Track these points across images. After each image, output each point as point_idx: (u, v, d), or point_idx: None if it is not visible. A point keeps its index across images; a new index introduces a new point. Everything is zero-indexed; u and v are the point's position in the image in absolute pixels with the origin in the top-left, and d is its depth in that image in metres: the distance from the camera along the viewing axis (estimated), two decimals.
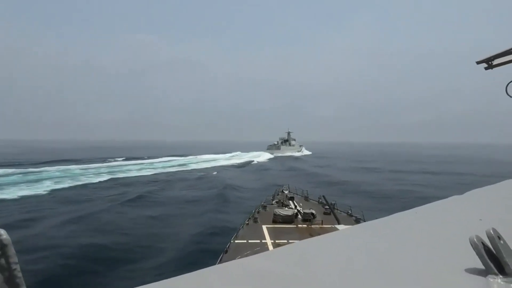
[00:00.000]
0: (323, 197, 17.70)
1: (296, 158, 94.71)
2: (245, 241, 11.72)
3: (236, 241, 11.76)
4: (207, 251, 14.27)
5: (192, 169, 57.80)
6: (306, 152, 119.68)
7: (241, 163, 72.46)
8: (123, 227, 19.99)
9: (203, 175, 48.43)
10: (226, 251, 10.75)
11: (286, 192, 21.32)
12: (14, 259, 0.43)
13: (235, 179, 43.19)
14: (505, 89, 2.64)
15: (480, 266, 0.99)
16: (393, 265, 1.17)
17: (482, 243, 0.97)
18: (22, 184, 37.00)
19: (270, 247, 11.00)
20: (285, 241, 11.59)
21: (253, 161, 77.75)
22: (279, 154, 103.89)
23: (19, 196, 30.28)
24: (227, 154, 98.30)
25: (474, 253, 0.97)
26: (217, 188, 34.37)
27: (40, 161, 66.75)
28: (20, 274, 0.43)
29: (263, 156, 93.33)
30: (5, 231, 0.46)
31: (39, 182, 38.49)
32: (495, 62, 2.81)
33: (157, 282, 1.00)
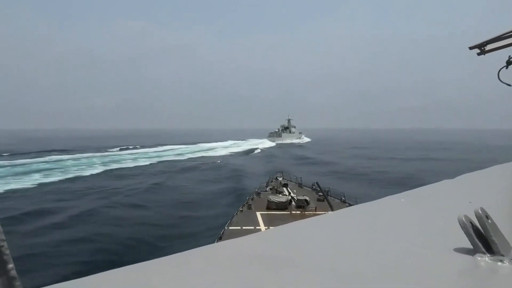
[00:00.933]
0: (317, 183, 17.75)
1: (299, 145, 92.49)
2: (239, 227, 11.81)
3: (230, 228, 11.86)
4: None
5: (196, 157, 55.21)
6: (305, 139, 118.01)
7: (243, 151, 69.81)
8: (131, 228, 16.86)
9: (209, 164, 45.82)
10: (220, 238, 10.77)
11: (280, 178, 21.00)
12: (0, 236, 0.42)
13: (244, 168, 40.77)
14: (497, 75, 2.58)
15: (469, 245, 1.00)
16: (382, 246, 1.18)
17: (471, 222, 0.98)
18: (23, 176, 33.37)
19: None
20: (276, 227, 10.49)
21: (256, 148, 75.06)
22: (280, 142, 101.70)
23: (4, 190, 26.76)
24: (226, 142, 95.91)
25: (463, 233, 0.99)
26: (228, 181, 31.49)
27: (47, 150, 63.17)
28: (7, 251, 0.42)
29: (264, 144, 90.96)
30: None
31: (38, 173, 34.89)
32: (488, 47, 2.77)
33: (148, 261, 1.01)
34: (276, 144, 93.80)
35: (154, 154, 59.62)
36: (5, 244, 0.41)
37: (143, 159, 50.82)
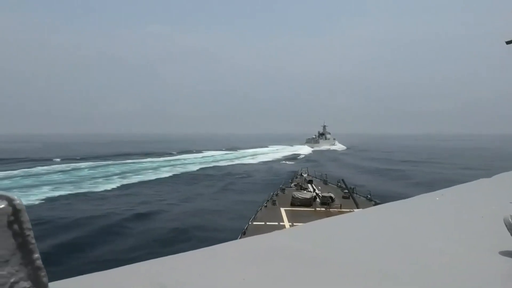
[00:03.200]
0: (342, 181, 17.64)
1: (342, 153, 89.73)
2: (263, 223, 11.73)
3: (254, 223, 11.77)
4: None
5: (242, 163, 55.21)
6: (340, 145, 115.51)
7: (288, 156, 70.12)
8: None
9: (261, 170, 45.20)
10: (244, 233, 10.68)
11: (305, 175, 20.90)
12: (27, 225, 0.42)
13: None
14: None
15: None
16: (419, 246, 1.13)
17: None
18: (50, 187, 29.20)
19: None
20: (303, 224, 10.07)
21: (300, 154, 74.86)
22: (317, 148, 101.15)
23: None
24: (265, 148, 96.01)
25: (507, 234, 0.94)
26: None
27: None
28: (33, 240, 0.42)
29: (305, 149, 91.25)
30: (19, 197, 0.45)
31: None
32: None
33: (175, 255, 1.02)
34: (313, 151, 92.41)
35: (210, 159, 60.33)
36: (31, 233, 0.41)
37: (192, 164, 51.38)
